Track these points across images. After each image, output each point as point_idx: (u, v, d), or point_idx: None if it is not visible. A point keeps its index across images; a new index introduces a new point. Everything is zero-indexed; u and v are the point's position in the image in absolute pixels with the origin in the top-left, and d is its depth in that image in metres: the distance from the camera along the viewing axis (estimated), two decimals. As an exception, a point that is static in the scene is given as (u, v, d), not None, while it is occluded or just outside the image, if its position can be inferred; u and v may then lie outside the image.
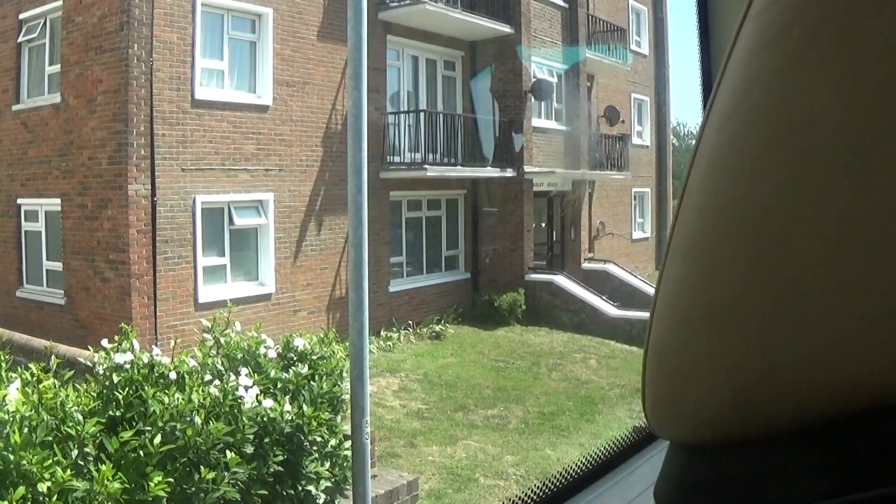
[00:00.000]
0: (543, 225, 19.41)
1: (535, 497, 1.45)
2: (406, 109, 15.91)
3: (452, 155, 16.86)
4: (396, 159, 15.81)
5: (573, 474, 1.46)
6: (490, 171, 17.22)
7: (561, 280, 17.27)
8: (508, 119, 17.61)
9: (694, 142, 0.41)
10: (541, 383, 13.49)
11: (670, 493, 0.42)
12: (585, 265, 19.57)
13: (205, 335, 6.82)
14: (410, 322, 16.12)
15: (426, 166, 15.33)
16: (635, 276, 19.27)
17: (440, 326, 16.00)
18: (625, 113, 23.80)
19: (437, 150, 16.47)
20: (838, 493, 0.33)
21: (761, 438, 0.36)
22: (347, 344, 6.24)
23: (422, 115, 15.91)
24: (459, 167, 16.62)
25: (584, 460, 1.50)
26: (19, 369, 5.04)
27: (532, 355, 14.98)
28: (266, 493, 5.39)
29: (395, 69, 16.48)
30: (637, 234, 24.66)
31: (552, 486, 1.44)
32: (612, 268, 19.29)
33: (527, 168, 17.56)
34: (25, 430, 4.21)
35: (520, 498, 1.48)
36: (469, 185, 17.99)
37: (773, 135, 0.35)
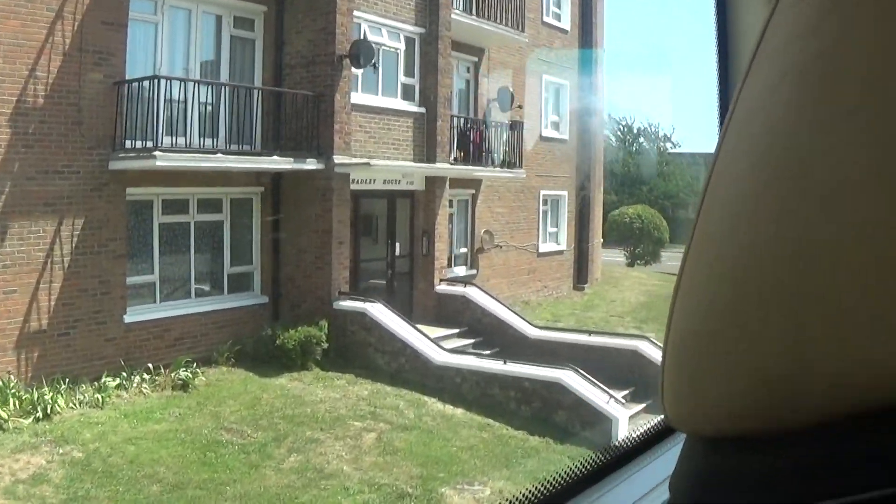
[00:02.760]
0: (389, 234, 14.98)
1: (549, 489, 1.40)
2: (147, 76, 11.56)
3: (243, 140, 12.56)
4: (141, 144, 11.48)
5: (588, 467, 1.44)
6: (276, 163, 12.84)
7: (376, 311, 12.85)
8: (317, 93, 13.23)
9: (715, 143, 0.41)
10: (256, 476, 9.13)
11: (687, 487, 0.41)
12: (441, 288, 15.11)
13: None
14: (153, 365, 11.77)
15: (156, 153, 11.00)
16: (502, 304, 14.78)
17: (188, 372, 11.65)
18: (532, 98, 19.31)
19: (211, 132, 12.19)
20: (865, 488, 0.32)
21: (783, 433, 0.36)
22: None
23: (175, 85, 11.60)
24: (234, 156, 12.29)
25: (599, 453, 1.49)
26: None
27: (290, 422, 10.61)
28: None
29: (147, 25, 12.16)
30: (546, 247, 20.13)
31: (567, 479, 1.42)
32: (473, 292, 14.82)
33: (339, 159, 13.16)
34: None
35: (535, 489, 1.40)
36: (269, 181, 13.63)
37: (806, 126, 0.34)
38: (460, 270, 17.24)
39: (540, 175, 19.67)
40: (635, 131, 39.18)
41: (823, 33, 0.34)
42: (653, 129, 39.46)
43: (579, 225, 21.10)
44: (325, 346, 12.76)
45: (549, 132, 20.07)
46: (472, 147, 16.46)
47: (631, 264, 27.56)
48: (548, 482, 1.44)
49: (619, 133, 39.44)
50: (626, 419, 11.25)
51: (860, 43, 0.32)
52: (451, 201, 16.89)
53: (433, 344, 12.39)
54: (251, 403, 11.17)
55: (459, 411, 11.57)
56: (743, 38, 1.61)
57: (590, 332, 14.02)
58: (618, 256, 29.01)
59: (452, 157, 15.80)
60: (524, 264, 19.33)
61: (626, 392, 12.99)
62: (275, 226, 13.78)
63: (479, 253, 17.78)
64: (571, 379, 11.37)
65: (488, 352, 14.00)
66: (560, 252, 20.63)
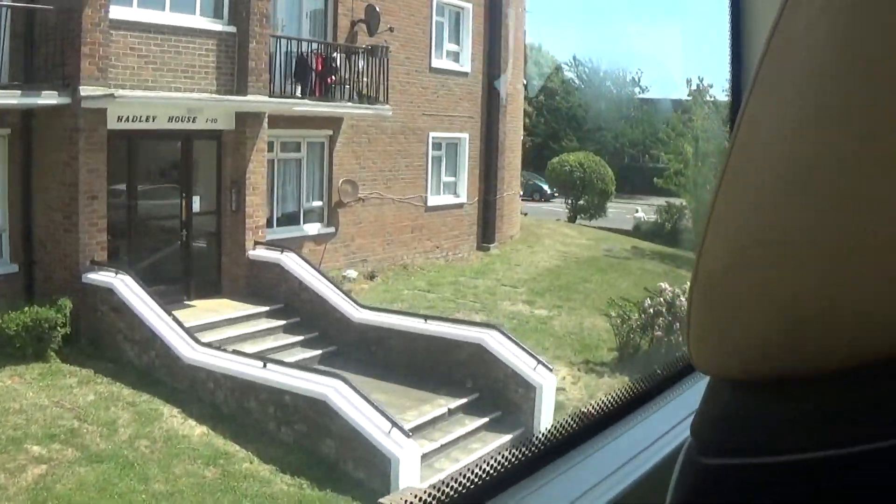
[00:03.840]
0: (182, 188, 11.92)
1: (569, 428, 1.36)
2: None
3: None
4: None
5: (608, 406, 1.43)
6: (6, 97, 9.77)
7: (124, 287, 9.90)
8: (62, 7, 10.09)
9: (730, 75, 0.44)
10: None
11: (710, 429, 0.41)
12: (256, 254, 12.12)
13: None
14: None
15: None
16: (321, 275, 11.80)
17: None
18: (417, 20, 16.03)
19: None
20: (892, 434, 0.32)
21: (810, 376, 0.36)
22: None
23: None
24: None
25: (619, 392, 1.48)
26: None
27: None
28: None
29: None
30: (439, 200, 17.04)
31: (585, 419, 1.40)
32: (288, 260, 11.83)
33: (85, 90, 10.07)
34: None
35: (556, 430, 1.34)
36: (19, 120, 10.59)
37: (842, 66, 0.35)
38: (312, 228, 14.24)
39: (429, 114, 16.48)
40: (601, 74, 35.47)
41: (836, 31, 0.34)
42: (621, 74, 35.75)
43: (486, 174, 17.94)
44: (67, 331, 9.90)
45: (442, 63, 16.77)
46: (315, 77, 13.29)
47: (572, 218, 24.41)
48: (567, 422, 1.37)
49: (584, 76, 35.79)
50: (417, 458, 8.33)
51: (872, 39, 0.33)
52: (291, 144, 13.82)
53: (186, 334, 9.45)
54: None
55: (200, 431, 8.70)
56: (757, 34, 1.59)
57: (426, 318, 11.03)
58: (560, 208, 25.87)
59: (281, 90, 12.65)
60: (406, 220, 16.26)
61: (461, 402, 10.10)
62: (25, 176, 10.79)
63: (339, 207, 14.73)
64: (342, 396, 8.42)
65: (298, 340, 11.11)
66: (459, 206, 17.52)
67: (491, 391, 10.33)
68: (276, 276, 11.82)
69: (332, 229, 14.62)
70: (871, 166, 0.33)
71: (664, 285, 12.08)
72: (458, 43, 17.28)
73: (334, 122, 14.36)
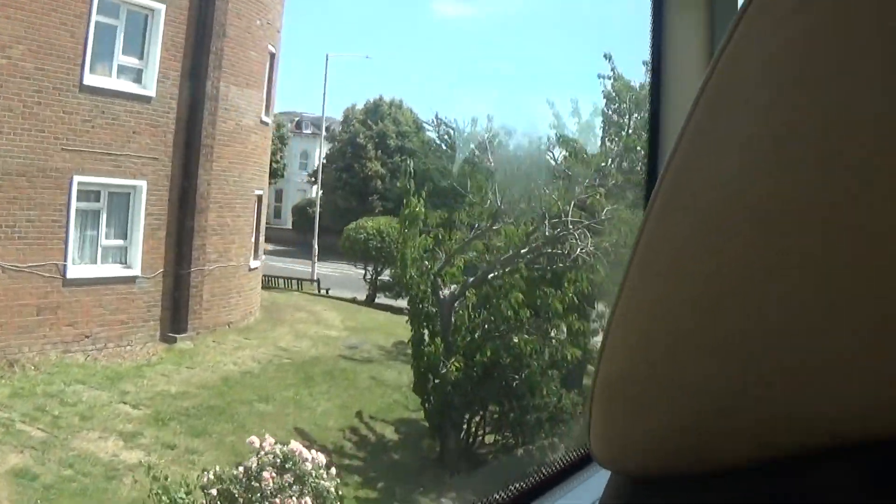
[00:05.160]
0: None
1: None
2: None
3: None
4: None
5: (510, 495, 1.43)
6: None
7: None
8: None
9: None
10: None
11: None
12: None
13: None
14: None
15: None
16: None
17: None
18: (64, 20, 11.36)
19: None
20: None
21: (710, 475, 0.36)
22: None
23: None
24: None
25: (520, 482, 1.45)
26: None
27: None
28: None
29: None
30: (93, 270, 12.10)
31: None
32: None
33: None
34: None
35: None
36: None
37: (761, 138, 0.34)
38: None
39: (74, 150, 11.68)
40: (465, 135, 31.22)
41: (785, 40, 0.33)
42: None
43: (177, 238, 13.11)
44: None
45: (106, 81, 12.05)
46: None
47: (371, 298, 19.69)
48: None
49: (446, 137, 31.53)
50: None
51: (829, 46, 0.32)
52: None
53: None
54: None
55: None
56: (676, 56, 1.56)
57: None
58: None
59: None
60: (28, 297, 11.30)
61: None
62: None
63: None
64: None
65: None
66: (129, 279, 12.61)
67: None
68: None
69: None
70: (779, 269, 0.32)
71: (257, 441, 7.26)
72: (140, 56, 12.59)
73: None
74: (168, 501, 7.09)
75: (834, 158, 0.31)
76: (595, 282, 10.77)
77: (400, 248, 11.73)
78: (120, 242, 12.59)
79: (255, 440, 7.24)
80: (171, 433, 9.62)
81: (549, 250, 11.26)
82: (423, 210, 11.55)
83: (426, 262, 11.38)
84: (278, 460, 7.18)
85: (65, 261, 11.74)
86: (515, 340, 10.40)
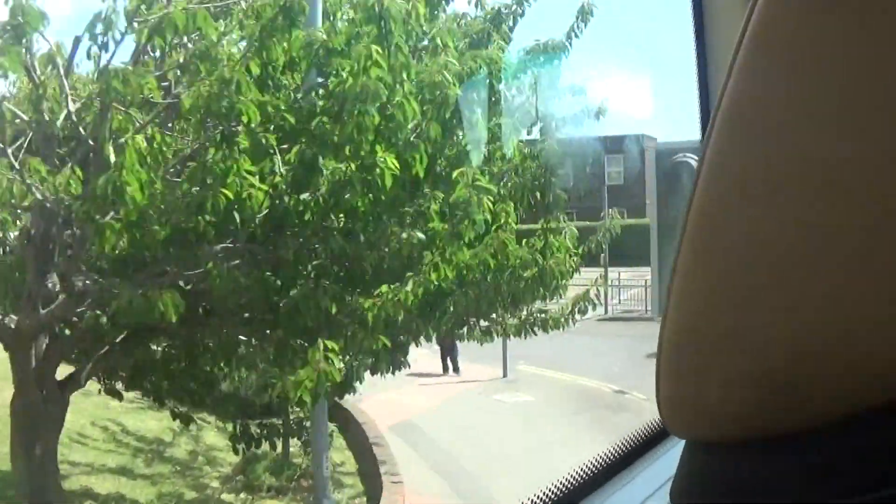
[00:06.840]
0: None
1: (545, 500, 1.29)
2: None
3: None
4: None
5: (584, 475, 1.33)
6: None
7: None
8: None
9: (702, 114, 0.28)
10: None
11: (689, 494, 0.39)
12: None
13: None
14: None
15: None
16: None
17: None
18: None
19: None
20: (871, 488, 0.31)
21: (786, 436, 0.34)
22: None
23: None
24: None
25: (595, 461, 1.37)
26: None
27: None
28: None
29: None
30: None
31: (561, 489, 1.31)
32: None
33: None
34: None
35: (531, 501, 1.30)
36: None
37: (804, 121, 0.32)
38: None
39: None
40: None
41: (814, 25, 0.31)
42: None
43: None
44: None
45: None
46: None
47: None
48: (544, 493, 1.31)
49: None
50: None
51: (850, 35, 0.30)
52: None
53: None
54: None
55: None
56: (721, 33, 1.45)
57: None
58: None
59: None
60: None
61: None
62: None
63: None
64: None
65: None
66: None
67: None
68: None
69: None
70: (828, 230, 0.31)
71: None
72: None
73: None
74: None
75: None
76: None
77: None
78: None
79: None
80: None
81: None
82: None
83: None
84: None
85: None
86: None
